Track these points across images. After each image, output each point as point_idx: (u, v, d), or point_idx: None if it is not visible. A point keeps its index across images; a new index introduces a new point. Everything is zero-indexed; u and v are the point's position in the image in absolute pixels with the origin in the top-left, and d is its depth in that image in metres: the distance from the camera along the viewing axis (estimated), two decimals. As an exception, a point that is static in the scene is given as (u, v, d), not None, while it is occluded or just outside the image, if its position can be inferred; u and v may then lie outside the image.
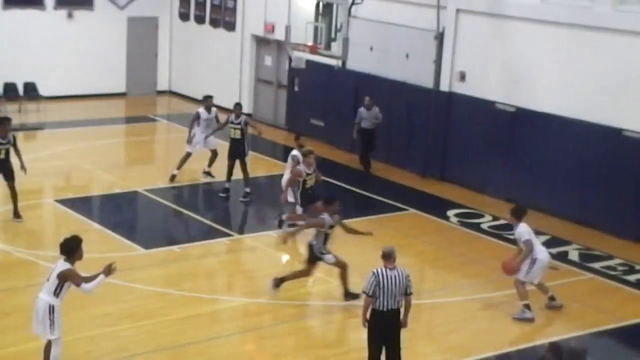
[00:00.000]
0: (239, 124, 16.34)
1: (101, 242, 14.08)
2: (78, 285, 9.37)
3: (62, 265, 9.39)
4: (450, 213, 16.42)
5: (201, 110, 17.24)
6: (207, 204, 17.08)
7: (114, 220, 15.09)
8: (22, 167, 14.53)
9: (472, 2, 17.61)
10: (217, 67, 23.99)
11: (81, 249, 9.44)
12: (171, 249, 13.90)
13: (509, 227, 15.48)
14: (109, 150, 19.85)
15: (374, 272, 9.67)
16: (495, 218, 16.17)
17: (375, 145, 18.83)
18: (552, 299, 12.50)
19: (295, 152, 14.85)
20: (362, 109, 18.55)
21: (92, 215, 15.35)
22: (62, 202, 15.69)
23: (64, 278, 9.32)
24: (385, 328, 9.69)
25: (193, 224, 15.42)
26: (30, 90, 22.68)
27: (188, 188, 17.50)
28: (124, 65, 24.87)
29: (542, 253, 12.19)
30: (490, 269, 13.76)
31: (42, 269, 12.73)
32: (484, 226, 15.84)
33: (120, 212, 15.94)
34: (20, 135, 20.69)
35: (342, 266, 12.09)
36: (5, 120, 14.70)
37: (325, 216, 11.93)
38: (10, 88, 22.52)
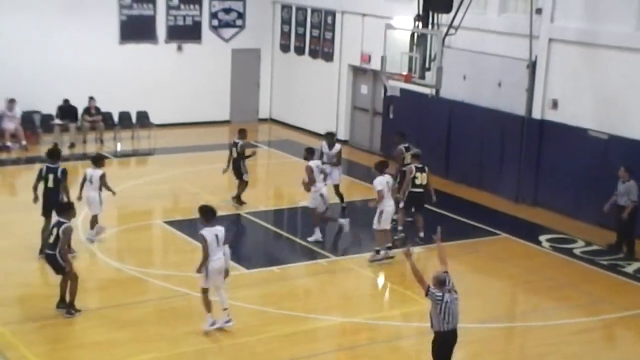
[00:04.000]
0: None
1: (206, 262, 14.41)
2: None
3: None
4: (543, 238, 16.11)
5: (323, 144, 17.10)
6: (306, 227, 17.23)
7: (218, 241, 15.40)
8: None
9: (565, 31, 17.33)
10: (316, 96, 24.29)
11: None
12: (271, 270, 14.10)
13: (602, 253, 15.19)
14: (213, 174, 20.26)
15: (442, 296, 9.50)
16: (587, 243, 15.79)
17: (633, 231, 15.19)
18: (389, 248, 14.26)
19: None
20: (619, 182, 15.20)
21: (196, 236, 15.66)
22: (170, 223, 16.13)
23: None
24: (451, 348, 9.63)
25: (292, 246, 15.61)
26: (143, 119, 23.45)
27: (287, 211, 17.72)
28: (228, 95, 25.46)
29: (389, 206, 14.18)
30: (582, 294, 13.46)
31: (151, 285, 13.14)
32: (577, 251, 15.48)
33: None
34: (132, 160, 21.54)
35: None
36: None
37: None
38: (124, 116, 23.34)
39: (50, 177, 13.79)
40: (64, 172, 13.96)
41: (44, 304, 12.26)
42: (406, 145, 16.79)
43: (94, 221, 14.76)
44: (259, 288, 13.38)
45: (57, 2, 22.38)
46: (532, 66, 17.93)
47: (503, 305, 13.41)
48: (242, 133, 17.10)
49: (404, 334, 12.23)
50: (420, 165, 15.52)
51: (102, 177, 14.54)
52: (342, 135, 23.67)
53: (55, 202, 13.38)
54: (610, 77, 16.63)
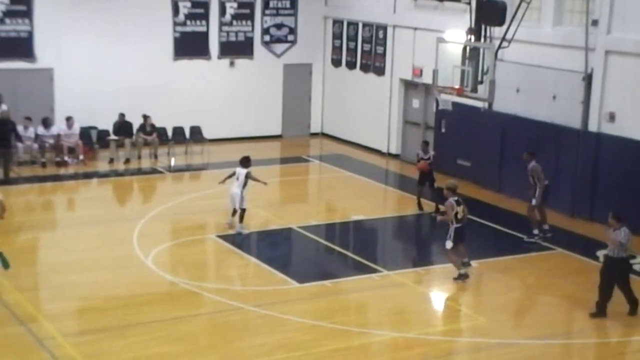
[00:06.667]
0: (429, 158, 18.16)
1: (257, 276, 14.50)
2: None
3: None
4: (600, 253, 15.80)
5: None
6: (358, 241, 17.23)
7: (270, 255, 15.51)
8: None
9: (622, 43, 17.06)
10: (367, 110, 24.32)
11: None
12: (323, 284, 14.10)
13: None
14: (265, 189, 20.32)
15: None
16: (646, 259, 15.46)
17: None
18: None
19: None
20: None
21: (250, 250, 15.83)
22: (223, 237, 16.26)
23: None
24: None
25: (344, 260, 15.60)
26: (196, 134, 23.74)
27: (339, 225, 17.74)
28: (280, 109, 25.65)
29: None
30: (641, 311, 13.14)
31: (205, 299, 13.26)
32: (636, 267, 15.14)
33: (275, 247, 16.35)
34: (186, 175, 21.82)
35: None
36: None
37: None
38: (178, 132, 23.65)
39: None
40: None
41: (100, 316, 12.46)
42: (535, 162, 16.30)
43: (242, 215, 16.44)
44: (311, 302, 13.38)
45: (113, 21, 22.83)
46: (588, 78, 17.68)
47: (559, 321, 13.19)
48: (425, 144, 18.75)
49: (456, 349, 12.10)
50: (457, 199, 14.14)
51: (248, 175, 16.53)
52: (393, 149, 23.66)
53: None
54: (668, 89, 16.31)
